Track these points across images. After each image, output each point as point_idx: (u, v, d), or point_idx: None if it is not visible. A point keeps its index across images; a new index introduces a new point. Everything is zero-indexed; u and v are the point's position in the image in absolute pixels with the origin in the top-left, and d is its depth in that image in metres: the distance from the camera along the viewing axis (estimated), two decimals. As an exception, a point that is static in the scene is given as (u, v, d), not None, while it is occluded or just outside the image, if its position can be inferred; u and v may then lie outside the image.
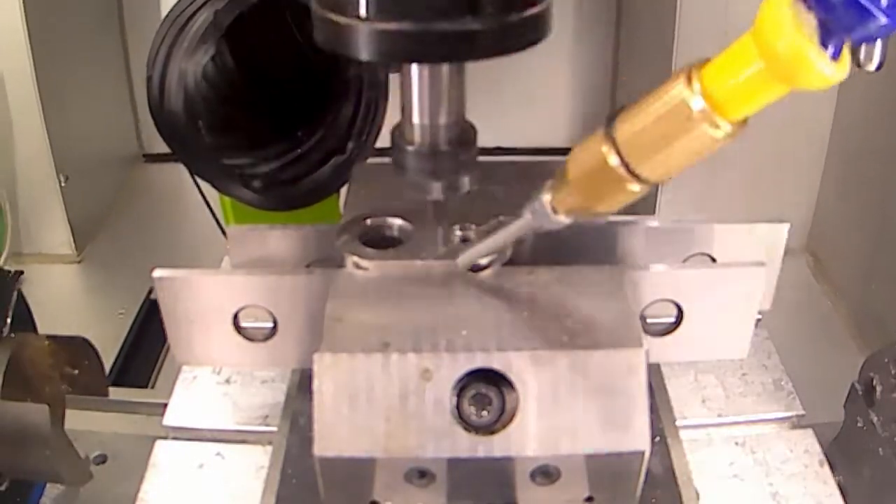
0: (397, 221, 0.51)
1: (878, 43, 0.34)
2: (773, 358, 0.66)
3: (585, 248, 0.52)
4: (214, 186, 0.77)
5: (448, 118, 0.44)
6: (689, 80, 0.33)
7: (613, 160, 0.36)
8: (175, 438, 0.61)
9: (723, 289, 0.49)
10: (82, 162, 1.13)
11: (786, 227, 0.54)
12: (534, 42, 0.40)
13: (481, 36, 0.38)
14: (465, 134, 0.45)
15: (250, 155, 0.79)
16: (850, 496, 0.56)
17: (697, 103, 0.33)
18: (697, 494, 0.53)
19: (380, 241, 0.50)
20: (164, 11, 0.72)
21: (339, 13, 0.39)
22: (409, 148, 0.45)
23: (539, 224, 0.42)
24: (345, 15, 0.39)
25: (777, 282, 0.54)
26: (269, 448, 0.56)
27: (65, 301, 1.07)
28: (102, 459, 0.63)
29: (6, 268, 1.03)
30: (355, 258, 0.48)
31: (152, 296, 1.01)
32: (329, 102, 0.80)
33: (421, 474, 0.44)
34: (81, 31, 1.15)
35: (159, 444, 0.60)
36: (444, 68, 0.42)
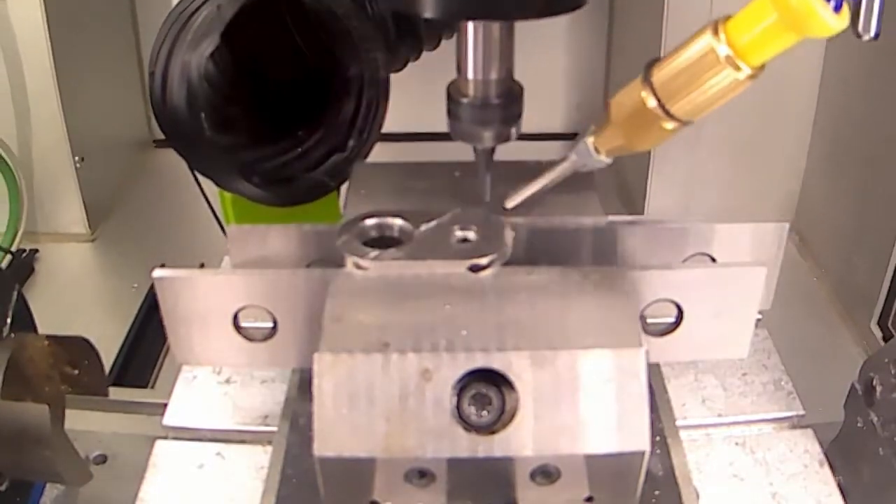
0: (397, 221, 0.51)
1: (875, 11, 0.38)
2: (773, 358, 0.66)
3: (585, 248, 0.52)
4: (215, 182, 0.77)
5: (498, 74, 0.48)
6: (716, 31, 0.39)
7: (651, 102, 0.42)
8: (175, 438, 0.61)
9: (723, 289, 0.49)
10: (96, 145, 1.17)
11: (786, 226, 0.54)
12: (578, 5, 0.45)
13: None
14: (512, 89, 0.49)
15: (251, 151, 0.79)
16: (850, 496, 0.55)
17: (723, 50, 0.39)
18: (697, 494, 0.53)
19: (380, 241, 0.50)
20: (175, 2, 0.72)
21: None
22: (464, 100, 0.49)
23: (582, 163, 0.46)
24: None
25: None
26: (269, 448, 0.56)
27: (79, 277, 1.10)
28: (102, 459, 0.63)
29: (22, 246, 1.05)
30: (355, 258, 0.48)
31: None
32: (330, 101, 0.80)
33: (421, 474, 0.44)
34: (96, 23, 1.19)
35: (159, 444, 0.60)
36: (497, 27, 0.46)
